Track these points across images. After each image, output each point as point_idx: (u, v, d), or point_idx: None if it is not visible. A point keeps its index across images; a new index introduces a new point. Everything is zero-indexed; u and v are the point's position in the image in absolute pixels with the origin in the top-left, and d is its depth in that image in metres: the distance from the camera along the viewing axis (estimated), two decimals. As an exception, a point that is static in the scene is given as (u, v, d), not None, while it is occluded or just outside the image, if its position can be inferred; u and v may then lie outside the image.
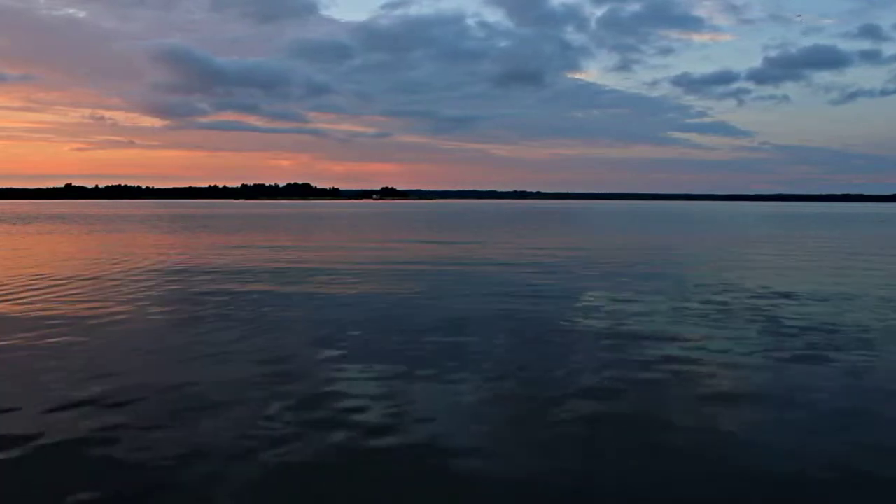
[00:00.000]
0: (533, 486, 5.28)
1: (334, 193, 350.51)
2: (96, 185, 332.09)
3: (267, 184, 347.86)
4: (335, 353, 9.47)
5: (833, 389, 7.80)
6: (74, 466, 5.61)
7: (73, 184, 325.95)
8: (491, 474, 5.49)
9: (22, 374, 8.26)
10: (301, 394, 7.53)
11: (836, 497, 5.16)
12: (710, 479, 5.41)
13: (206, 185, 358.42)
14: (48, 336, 10.37)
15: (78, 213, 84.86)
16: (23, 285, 16.09)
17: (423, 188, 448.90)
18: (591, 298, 14.55)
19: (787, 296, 14.82)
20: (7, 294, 14.71)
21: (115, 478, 5.39)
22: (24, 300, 13.88)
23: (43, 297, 14.32)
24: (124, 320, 11.82)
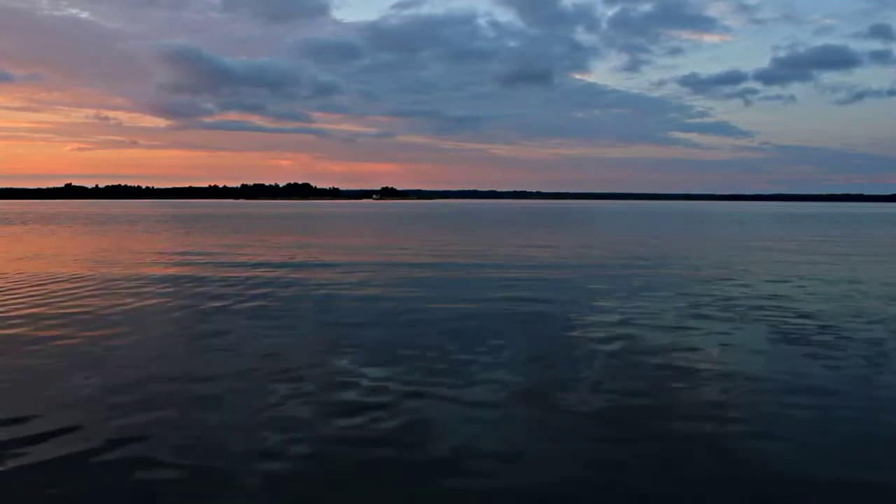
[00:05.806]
0: (540, 491, 5.34)
1: (334, 193, 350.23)
2: (96, 185, 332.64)
3: (267, 184, 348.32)
4: (343, 352, 9.59)
5: (843, 393, 7.81)
6: (79, 465, 5.74)
7: (72, 184, 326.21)
8: (501, 477, 5.57)
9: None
10: (308, 392, 7.72)
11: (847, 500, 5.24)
12: (718, 483, 5.47)
13: (205, 185, 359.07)
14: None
15: (101, 213, 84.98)
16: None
17: (424, 188, 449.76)
18: (599, 299, 14.91)
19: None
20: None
21: (118, 475, 5.53)
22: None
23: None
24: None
